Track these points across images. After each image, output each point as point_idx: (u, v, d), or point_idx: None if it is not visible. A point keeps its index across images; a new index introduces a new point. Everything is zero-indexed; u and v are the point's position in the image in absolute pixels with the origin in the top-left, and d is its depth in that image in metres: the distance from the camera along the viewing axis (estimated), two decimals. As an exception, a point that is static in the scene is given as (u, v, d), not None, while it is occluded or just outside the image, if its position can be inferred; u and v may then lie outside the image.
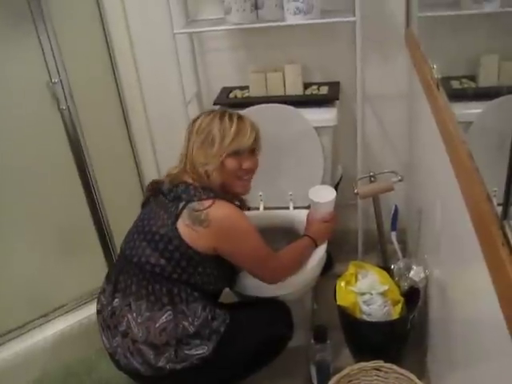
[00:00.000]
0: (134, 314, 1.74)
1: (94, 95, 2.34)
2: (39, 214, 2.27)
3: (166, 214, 1.75)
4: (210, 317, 1.73)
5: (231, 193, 1.90)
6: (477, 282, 1.13)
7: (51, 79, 2.08)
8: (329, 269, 2.48)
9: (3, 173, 2.13)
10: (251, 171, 1.90)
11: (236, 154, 1.80)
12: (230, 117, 1.81)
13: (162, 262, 1.72)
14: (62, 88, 2.10)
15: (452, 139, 1.14)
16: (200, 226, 1.69)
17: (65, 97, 2.12)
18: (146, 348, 1.72)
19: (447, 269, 1.58)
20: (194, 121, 1.86)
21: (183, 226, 1.70)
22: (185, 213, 1.71)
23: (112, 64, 2.41)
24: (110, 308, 1.80)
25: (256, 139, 1.85)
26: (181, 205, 1.73)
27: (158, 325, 1.70)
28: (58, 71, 2.08)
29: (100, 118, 2.35)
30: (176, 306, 1.71)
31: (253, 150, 1.87)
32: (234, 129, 1.78)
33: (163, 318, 1.70)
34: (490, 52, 1.30)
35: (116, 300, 1.79)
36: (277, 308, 1.94)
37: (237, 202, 1.96)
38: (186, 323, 1.70)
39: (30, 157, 2.17)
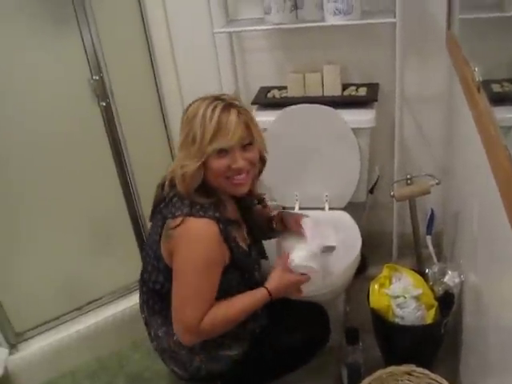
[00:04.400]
0: (155, 327, 1.76)
1: (134, 93, 2.36)
2: (78, 208, 2.31)
3: (154, 229, 1.66)
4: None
5: (229, 194, 1.69)
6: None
7: (92, 76, 2.11)
8: (362, 271, 2.46)
9: (45, 168, 2.17)
10: (244, 170, 1.58)
11: (221, 152, 1.53)
12: (214, 108, 1.50)
13: (160, 279, 1.66)
14: (103, 85, 2.13)
15: (492, 143, 1.12)
16: (167, 243, 1.58)
17: (105, 93, 2.14)
18: (174, 355, 1.74)
19: (484, 274, 1.55)
20: (185, 111, 1.59)
21: (163, 243, 1.61)
22: (164, 231, 1.60)
23: (152, 62, 2.43)
24: (143, 316, 1.84)
25: (247, 133, 1.56)
26: (161, 222, 1.60)
27: (175, 338, 1.69)
28: (99, 68, 2.10)
29: (139, 116, 2.37)
30: None
31: (245, 146, 1.57)
32: (213, 124, 1.49)
33: None
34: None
35: (144, 310, 1.82)
36: (315, 310, 1.90)
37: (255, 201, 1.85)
38: None
39: (70, 152, 2.21)
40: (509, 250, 1.10)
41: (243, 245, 1.69)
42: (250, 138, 1.58)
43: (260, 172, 1.73)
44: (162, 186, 1.67)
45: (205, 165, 1.54)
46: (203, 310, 1.55)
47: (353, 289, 2.30)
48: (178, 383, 1.88)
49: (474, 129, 1.43)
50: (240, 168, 1.57)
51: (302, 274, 1.69)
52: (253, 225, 1.83)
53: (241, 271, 1.67)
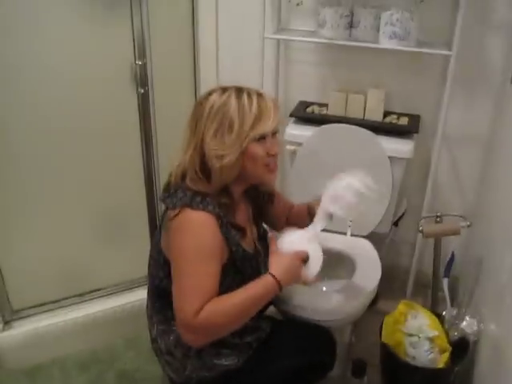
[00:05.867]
0: (155, 326, 1.69)
1: (171, 85, 2.31)
2: (96, 193, 2.26)
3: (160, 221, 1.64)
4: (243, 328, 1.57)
5: (256, 184, 1.67)
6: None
7: (136, 60, 2.07)
8: (372, 304, 2.39)
9: (70, 149, 2.13)
10: (277, 156, 1.57)
11: (261, 138, 1.50)
12: (249, 94, 1.49)
13: (160, 274, 1.60)
14: (145, 71, 2.09)
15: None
16: (166, 235, 1.54)
17: (145, 80, 2.10)
18: (169, 358, 1.67)
19: (508, 327, 1.49)
20: (202, 102, 1.51)
21: (162, 235, 1.58)
22: (163, 222, 1.57)
23: (194, 57, 2.40)
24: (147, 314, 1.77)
25: (279, 119, 1.55)
26: (164, 214, 1.59)
27: (171, 338, 1.63)
28: (144, 53, 2.06)
29: (172, 109, 2.32)
30: None
31: (275, 133, 1.55)
32: (255, 108, 1.47)
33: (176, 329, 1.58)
34: None
35: (148, 307, 1.76)
36: (323, 334, 1.81)
37: (264, 196, 1.78)
38: None
39: (98, 138, 2.17)
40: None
41: (249, 249, 1.63)
42: (279, 125, 1.56)
43: None
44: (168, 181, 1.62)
45: (243, 154, 1.49)
46: (199, 302, 1.42)
47: (360, 321, 2.23)
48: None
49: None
50: (277, 153, 1.55)
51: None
52: (264, 228, 1.77)
53: (242, 275, 1.58)
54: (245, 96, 1.47)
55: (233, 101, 1.46)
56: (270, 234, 1.69)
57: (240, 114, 1.45)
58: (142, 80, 2.10)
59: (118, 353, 2.34)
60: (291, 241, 1.64)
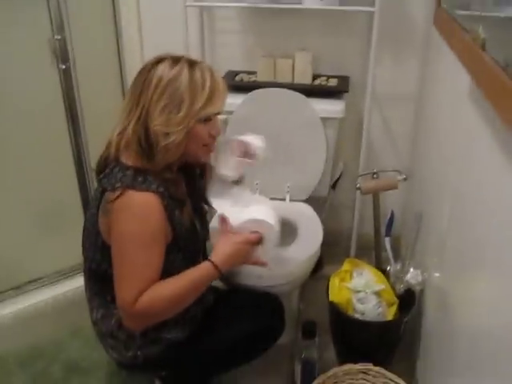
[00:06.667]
0: (95, 309, 1.62)
1: (94, 60, 2.25)
2: (25, 181, 2.16)
3: (93, 201, 1.51)
4: None
5: (191, 162, 1.60)
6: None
7: (54, 35, 1.98)
8: (318, 270, 2.39)
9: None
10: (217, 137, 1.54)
11: (207, 119, 1.45)
12: (202, 70, 1.41)
13: (98, 257, 1.51)
14: (65, 45, 2.00)
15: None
16: (106, 218, 1.43)
17: (66, 55, 2.02)
18: (113, 341, 1.61)
19: (451, 272, 1.51)
20: (150, 70, 1.41)
21: (100, 218, 1.46)
22: (102, 204, 1.45)
23: (116, 30, 2.33)
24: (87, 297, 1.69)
25: None
26: (100, 194, 1.45)
27: (113, 321, 1.57)
28: (62, 27, 1.98)
29: (97, 85, 2.26)
30: None
31: (218, 113, 1.50)
32: (208, 88, 1.39)
33: (117, 312, 1.52)
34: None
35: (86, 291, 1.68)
36: (269, 300, 1.78)
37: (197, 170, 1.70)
38: None
39: (20, 119, 2.07)
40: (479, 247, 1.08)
41: (187, 223, 1.56)
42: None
43: None
44: (103, 156, 1.52)
45: (187, 133, 1.42)
46: (139, 288, 1.39)
47: (307, 287, 2.24)
48: (118, 373, 1.77)
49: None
50: (218, 134, 1.51)
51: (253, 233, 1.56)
52: (198, 201, 1.71)
53: (183, 251, 1.54)
54: (197, 73, 1.39)
55: (184, 76, 1.38)
56: (219, 213, 1.61)
57: (192, 92, 1.38)
58: (62, 55, 2.01)
59: (63, 344, 2.24)
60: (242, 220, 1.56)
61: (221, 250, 1.53)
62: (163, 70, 1.39)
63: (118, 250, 1.42)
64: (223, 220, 1.58)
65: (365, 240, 2.48)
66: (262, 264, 1.62)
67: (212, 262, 1.49)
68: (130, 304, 1.38)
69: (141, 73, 1.43)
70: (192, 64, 1.41)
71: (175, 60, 1.41)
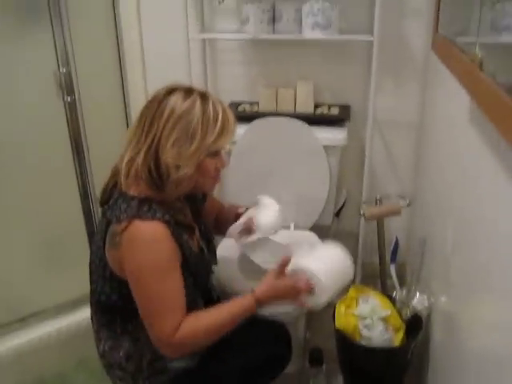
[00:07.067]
0: (103, 341, 1.61)
1: (98, 93, 2.27)
2: (29, 212, 2.17)
3: (99, 234, 1.49)
4: None
5: (195, 192, 1.60)
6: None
7: (59, 68, 2.01)
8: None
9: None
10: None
11: (216, 153, 1.45)
12: (214, 104, 1.40)
13: (106, 289, 1.50)
14: (70, 78, 2.03)
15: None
16: (116, 251, 1.41)
17: (71, 88, 2.04)
18: (121, 372, 1.60)
19: (456, 296, 1.50)
20: (161, 101, 1.39)
21: (108, 251, 1.44)
22: (108, 237, 1.43)
23: (120, 63, 2.37)
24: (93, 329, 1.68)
25: None
26: (104, 227, 1.44)
27: (121, 354, 1.56)
28: (67, 60, 2.01)
29: (102, 117, 2.28)
30: (135, 332, 1.54)
31: None
32: (220, 122, 1.39)
33: (126, 345, 1.54)
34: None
35: (93, 323, 1.67)
36: (276, 328, 1.78)
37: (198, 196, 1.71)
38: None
39: (25, 151, 2.08)
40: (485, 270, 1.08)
41: (195, 248, 1.57)
42: None
43: None
44: (109, 185, 1.52)
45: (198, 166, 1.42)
46: (176, 318, 1.39)
47: (313, 315, 2.23)
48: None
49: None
50: (224, 166, 1.50)
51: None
52: (205, 226, 1.71)
53: (194, 276, 1.53)
54: (210, 106, 1.38)
55: (198, 110, 1.37)
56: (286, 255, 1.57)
57: (204, 126, 1.37)
58: (67, 88, 2.03)
59: (68, 376, 2.23)
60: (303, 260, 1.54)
61: (265, 285, 1.52)
62: (176, 101, 1.38)
63: (139, 285, 1.39)
64: (285, 260, 1.55)
65: (370, 268, 2.48)
66: (301, 306, 1.58)
67: (254, 294, 1.50)
68: (171, 336, 1.39)
69: (151, 102, 1.41)
70: (204, 97, 1.40)
71: (187, 92, 1.40)
